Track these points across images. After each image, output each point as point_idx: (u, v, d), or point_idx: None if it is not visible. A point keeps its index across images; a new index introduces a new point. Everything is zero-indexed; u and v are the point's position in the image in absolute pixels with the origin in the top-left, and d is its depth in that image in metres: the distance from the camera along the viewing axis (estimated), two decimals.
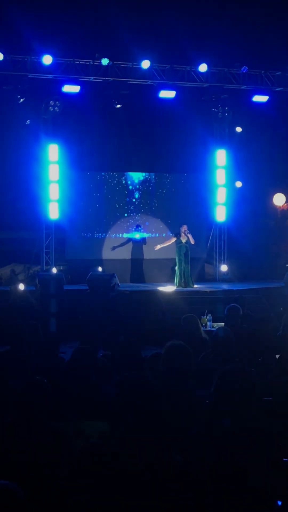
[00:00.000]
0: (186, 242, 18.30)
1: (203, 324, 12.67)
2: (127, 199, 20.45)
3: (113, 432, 4.37)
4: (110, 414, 4.60)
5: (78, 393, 5.27)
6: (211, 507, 3.95)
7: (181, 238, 18.30)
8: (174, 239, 18.53)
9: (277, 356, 7.24)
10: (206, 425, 4.38)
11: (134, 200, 20.52)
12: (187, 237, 18.27)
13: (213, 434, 4.20)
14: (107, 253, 20.06)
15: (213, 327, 12.53)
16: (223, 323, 10.46)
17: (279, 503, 4.07)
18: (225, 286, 18.78)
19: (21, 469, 4.35)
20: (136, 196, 20.54)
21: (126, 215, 20.39)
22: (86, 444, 3.99)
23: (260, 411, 4.98)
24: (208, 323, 13.15)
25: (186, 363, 5.13)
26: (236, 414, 4.13)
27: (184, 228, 18.32)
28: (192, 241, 18.31)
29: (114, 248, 20.06)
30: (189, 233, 18.29)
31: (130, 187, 20.52)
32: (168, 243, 18.79)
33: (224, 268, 20.25)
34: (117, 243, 20.15)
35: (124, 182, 20.49)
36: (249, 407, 4.15)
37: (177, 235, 18.42)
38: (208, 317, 13.27)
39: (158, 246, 18.94)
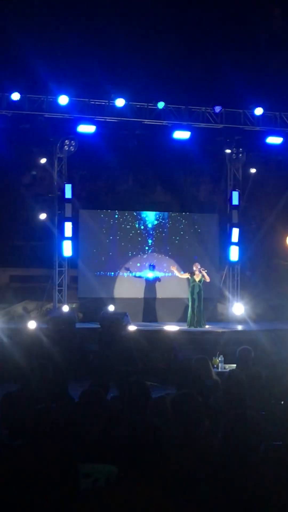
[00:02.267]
0: (199, 281, 18.26)
1: (215, 366, 12.58)
2: (140, 238, 20.50)
3: (120, 476, 4.33)
4: (118, 457, 4.56)
5: (87, 435, 5.23)
6: None
7: (195, 276, 18.26)
8: (187, 275, 18.46)
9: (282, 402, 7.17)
10: (214, 471, 4.33)
11: (147, 239, 20.56)
12: (201, 275, 18.20)
13: (221, 480, 4.16)
14: (119, 292, 20.06)
15: (224, 368, 12.43)
16: (235, 365, 10.39)
17: None
18: (237, 327, 18.67)
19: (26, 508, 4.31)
20: (150, 235, 20.59)
21: (139, 253, 20.42)
22: (92, 488, 3.95)
23: (269, 455, 4.92)
24: (220, 364, 13.04)
25: (195, 412, 5.07)
26: (244, 461, 4.08)
27: (197, 265, 18.29)
28: (207, 279, 18.22)
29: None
30: (204, 270, 18.23)
31: (144, 226, 20.59)
32: (181, 276, 18.72)
33: (237, 308, 20.16)
34: (129, 281, 20.14)
35: (137, 221, 20.56)
36: (257, 454, 4.10)
37: (191, 273, 18.38)
38: (220, 359, 13.16)
39: (174, 269, 18.81)
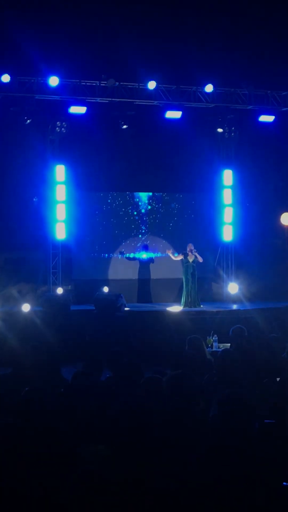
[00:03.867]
0: (193, 262, 18.28)
1: (209, 345, 12.62)
2: (134, 219, 20.46)
3: (113, 457, 4.33)
4: (111, 438, 4.56)
5: (79, 417, 5.24)
6: None
7: (188, 257, 18.29)
8: (181, 257, 18.49)
9: (278, 379, 7.18)
10: (207, 449, 4.34)
11: (140, 220, 20.53)
12: (194, 256, 18.25)
13: (214, 457, 4.17)
14: (113, 273, 20.05)
15: (219, 348, 12.47)
16: (229, 344, 10.42)
17: None
18: (232, 306, 18.72)
19: (20, 493, 4.31)
20: (143, 216, 20.55)
21: (132, 235, 20.39)
22: (84, 470, 3.95)
23: (262, 434, 4.94)
24: (214, 344, 13.08)
25: (190, 391, 5.08)
26: (236, 437, 4.10)
27: (190, 246, 18.34)
28: (200, 260, 18.30)
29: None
30: (196, 251, 18.29)
31: (137, 207, 20.54)
32: (176, 258, 18.74)
33: (232, 287, 20.19)
34: (123, 263, 20.14)
35: (130, 202, 20.51)
36: (249, 431, 4.11)
37: (184, 254, 18.40)
38: (214, 338, 13.20)
39: (170, 253, 18.82)
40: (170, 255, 18.81)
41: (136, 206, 20.55)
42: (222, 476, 4.01)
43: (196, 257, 18.25)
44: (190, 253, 18.28)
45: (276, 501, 4.09)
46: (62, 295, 17.98)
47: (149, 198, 20.65)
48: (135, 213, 20.49)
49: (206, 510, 3.95)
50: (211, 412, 4.20)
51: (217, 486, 3.99)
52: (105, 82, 18.14)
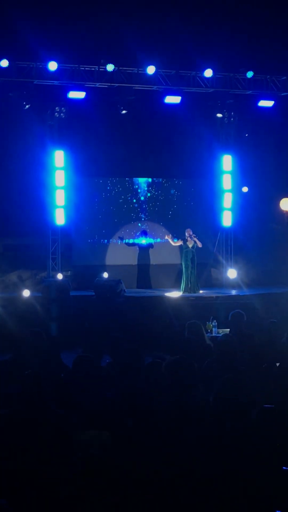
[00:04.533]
0: (192, 247, 18.27)
1: (208, 330, 12.64)
2: (133, 205, 20.44)
3: (114, 442, 4.35)
4: (111, 423, 4.57)
5: (79, 402, 5.25)
6: None
7: (188, 243, 18.28)
8: (180, 242, 18.47)
9: (277, 364, 7.20)
10: (206, 434, 4.36)
11: (139, 206, 20.50)
12: (193, 241, 18.23)
13: (213, 442, 4.19)
14: (113, 259, 20.05)
15: (218, 333, 12.50)
16: (229, 330, 10.43)
17: None
18: (231, 292, 18.75)
19: (21, 477, 4.33)
20: (142, 202, 20.53)
21: (132, 221, 20.38)
22: (86, 455, 3.97)
23: (261, 418, 4.95)
24: (213, 329, 13.10)
25: (189, 377, 5.09)
26: (235, 423, 4.11)
27: (189, 232, 18.31)
28: (199, 245, 18.28)
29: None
30: (195, 236, 18.27)
31: (136, 192, 20.52)
32: (175, 244, 18.71)
33: (231, 273, 20.20)
34: (123, 249, 20.14)
35: (130, 188, 20.48)
36: (248, 415, 4.13)
37: (184, 240, 18.38)
38: (213, 323, 13.21)
39: (169, 238, 18.77)
40: (170, 240, 18.80)
41: (135, 192, 20.52)
42: (221, 460, 4.03)
43: (195, 242, 18.25)
44: (189, 239, 18.28)
45: (276, 485, 4.11)
46: (62, 280, 17.99)
47: (149, 184, 20.62)
48: (134, 200, 20.46)
49: (205, 494, 3.97)
50: (211, 397, 4.21)
51: (217, 471, 4.01)
52: (104, 67, 18.05)
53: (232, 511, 3.95)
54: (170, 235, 19.06)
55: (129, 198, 20.42)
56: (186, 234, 18.35)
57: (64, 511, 3.84)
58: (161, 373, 5.34)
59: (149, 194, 20.59)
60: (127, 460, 3.87)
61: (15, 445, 4.50)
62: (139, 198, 20.52)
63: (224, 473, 4.04)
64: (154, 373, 5.92)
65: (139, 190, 20.55)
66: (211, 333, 12.73)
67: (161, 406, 4.40)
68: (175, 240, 18.79)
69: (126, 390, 4.27)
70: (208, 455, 4.13)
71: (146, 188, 20.58)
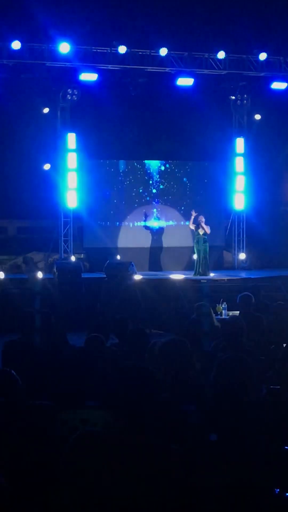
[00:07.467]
0: (203, 234, 18.17)
1: (218, 313, 12.64)
2: (145, 188, 20.42)
3: (116, 422, 4.38)
4: (114, 403, 4.60)
5: (84, 381, 5.28)
6: (210, 495, 3.96)
7: (199, 230, 18.12)
8: (194, 227, 18.31)
9: (284, 345, 7.20)
10: (206, 413, 4.38)
11: (152, 188, 20.49)
12: (204, 230, 18.07)
13: (213, 422, 4.21)
14: (125, 241, 20.07)
15: (228, 315, 12.49)
16: (238, 312, 10.43)
17: (277, 490, 4.07)
18: (243, 274, 18.72)
19: (21, 455, 4.37)
20: (154, 184, 20.51)
21: (144, 204, 20.36)
22: (82, 432, 3.99)
23: (264, 399, 4.98)
24: (223, 311, 13.09)
25: (183, 357, 5.11)
26: (234, 402, 4.13)
27: (202, 219, 18.12)
28: (207, 231, 18.11)
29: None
30: (207, 225, 18.08)
31: (148, 175, 20.50)
32: (191, 225, 18.51)
33: (242, 256, 20.18)
34: (135, 231, 20.13)
35: (142, 170, 20.46)
36: (247, 394, 4.14)
37: (196, 226, 18.20)
38: (223, 306, 13.20)
39: (193, 213, 18.46)
40: (192, 216, 18.37)
41: (147, 175, 20.49)
42: (221, 438, 4.05)
43: (204, 229, 18.05)
44: (202, 225, 18.09)
45: (277, 465, 4.13)
46: (75, 263, 18.04)
47: (161, 166, 20.58)
48: (146, 181, 20.43)
49: (206, 472, 4.00)
50: (211, 375, 4.25)
51: (217, 448, 4.04)
52: (116, 49, 17.98)
53: (233, 490, 3.98)
54: (196, 213, 18.53)
55: (141, 180, 20.41)
56: (199, 220, 18.17)
57: (60, 487, 3.87)
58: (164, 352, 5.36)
59: (161, 177, 20.56)
60: (129, 438, 3.89)
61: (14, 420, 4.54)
62: (151, 181, 20.49)
63: (224, 450, 4.06)
64: (153, 353, 5.96)
65: (151, 173, 20.52)
66: (221, 315, 12.73)
67: (159, 385, 4.41)
68: (193, 224, 18.49)
69: (127, 370, 4.29)
70: (208, 431, 4.16)
71: (158, 171, 20.56)
